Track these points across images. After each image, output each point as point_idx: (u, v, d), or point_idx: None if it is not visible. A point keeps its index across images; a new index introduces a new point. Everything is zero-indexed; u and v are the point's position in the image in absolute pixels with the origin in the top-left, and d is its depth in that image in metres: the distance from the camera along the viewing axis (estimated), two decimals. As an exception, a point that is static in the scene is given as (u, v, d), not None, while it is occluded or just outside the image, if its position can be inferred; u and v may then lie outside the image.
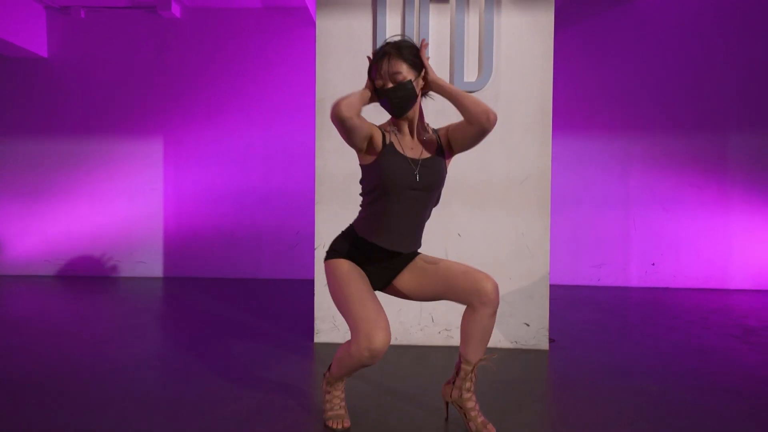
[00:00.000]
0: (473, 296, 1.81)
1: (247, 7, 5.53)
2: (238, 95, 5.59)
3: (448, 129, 1.91)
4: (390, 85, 1.77)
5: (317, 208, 3.07)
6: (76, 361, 2.77)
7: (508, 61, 2.99)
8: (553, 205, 5.38)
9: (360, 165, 1.89)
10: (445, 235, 3.04)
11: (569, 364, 2.81)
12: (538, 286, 3.02)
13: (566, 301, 4.61)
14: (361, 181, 1.91)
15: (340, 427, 1.93)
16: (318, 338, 3.08)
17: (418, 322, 3.07)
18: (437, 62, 3.00)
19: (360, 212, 1.93)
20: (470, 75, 3.01)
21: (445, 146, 1.90)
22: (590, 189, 5.41)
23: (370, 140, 1.81)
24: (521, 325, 3.03)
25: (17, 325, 3.56)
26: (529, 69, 2.98)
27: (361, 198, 1.94)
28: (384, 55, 1.79)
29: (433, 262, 1.93)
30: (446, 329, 3.05)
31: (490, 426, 1.90)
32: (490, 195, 3.02)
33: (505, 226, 3.02)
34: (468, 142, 1.85)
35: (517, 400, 2.29)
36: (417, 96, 1.81)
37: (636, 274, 5.40)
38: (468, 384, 1.89)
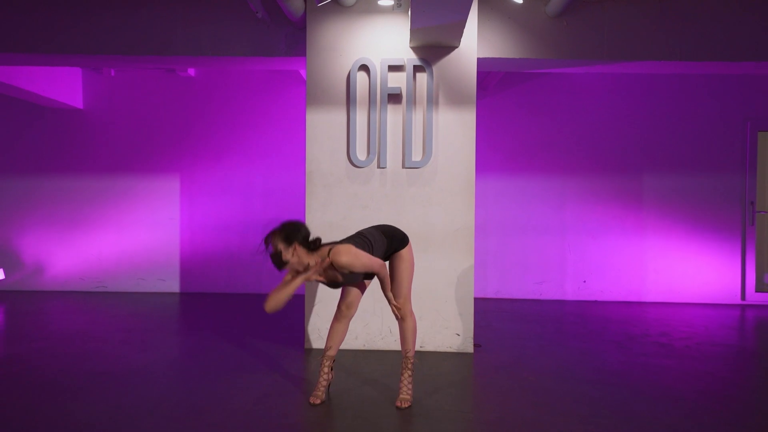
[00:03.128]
0: (394, 308, 3.04)
1: (250, 69, 6.67)
2: (242, 140, 6.73)
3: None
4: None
5: (307, 250, 4.21)
6: (101, 363, 3.90)
7: (443, 146, 4.16)
8: (503, 233, 6.56)
9: None
10: (399, 270, 4.19)
11: (486, 363, 3.98)
12: (465, 306, 4.19)
13: (510, 314, 5.77)
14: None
15: (311, 401, 3.09)
16: (306, 345, 4.23)
17: (379, 332, 4.22)
18: (393, 147, 4.17)
19: None
20: (417, 155, 4.18)
21: None
22: (533, 219, 6.59)
23: None
24: (453, 335, 4.19)
25: (57, 333, 4.69)
26: (458, 152, 4.15)
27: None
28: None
29: (402, 264, 3.09)
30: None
31: (404, 398, 3.05)
32: (432, 241, 4.18)
33: (442, 263, 4.18)
34: None
35: (443, 387, 3.46)
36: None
37: (571, 290, 6.59)
38: (407, 371, 3.06)
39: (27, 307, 5.93)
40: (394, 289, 3.08)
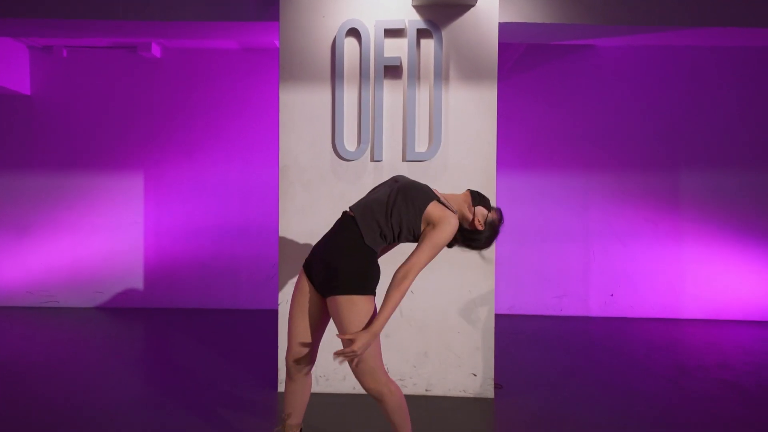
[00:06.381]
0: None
1: (224, 48, 5.75)
2: (217, 132, 5.80)
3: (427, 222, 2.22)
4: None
5: (281, 267, 3.30)
6: (41, 395, 2.99)
7: (455, 134, 3.25)
8: (517, 239, 5.65)
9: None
10: (399, 292, 3.28)
11: (511, 412, 3.08)
12: (484, 339, 3.28)
13: (529, 336, 4.85)
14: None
15: None
16: (282, 388, 3.32)
17: (374, 372, 3.31)
18: (391, 135, 3.25)
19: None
20: (421, 146, 3.27)
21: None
22: (552, 223, 5.68)
23: None
24: (469, 375, 3.28)
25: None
26: (475, 140, 3.24)
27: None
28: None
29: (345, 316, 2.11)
30: (401, 379, 3.30)
31: None
32: (440, 256, 3.25)
33: (453, 284, 3.27)
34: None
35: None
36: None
37: (596, 305, 5.69)
38: None
39: (-45, 328, 5.00)
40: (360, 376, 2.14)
